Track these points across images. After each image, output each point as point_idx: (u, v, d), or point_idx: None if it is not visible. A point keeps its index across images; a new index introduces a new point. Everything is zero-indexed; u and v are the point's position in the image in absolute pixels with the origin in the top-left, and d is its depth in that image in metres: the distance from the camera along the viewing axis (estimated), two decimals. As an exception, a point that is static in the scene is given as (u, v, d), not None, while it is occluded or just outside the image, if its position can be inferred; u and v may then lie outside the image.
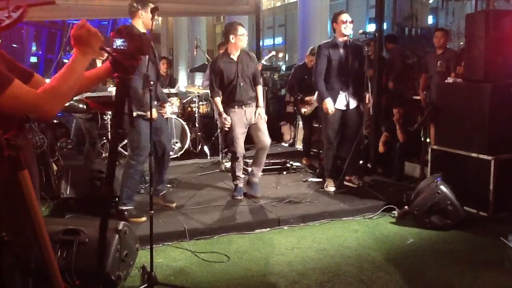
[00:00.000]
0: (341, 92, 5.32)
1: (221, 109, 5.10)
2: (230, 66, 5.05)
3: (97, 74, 2.04)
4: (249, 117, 5.14)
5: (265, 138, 5.19)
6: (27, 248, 1.77)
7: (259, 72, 5.41)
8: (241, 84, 5.07)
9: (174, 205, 4.85)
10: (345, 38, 5.28)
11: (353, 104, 5.37)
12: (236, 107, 5.08)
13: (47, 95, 1.70)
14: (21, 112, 1.69)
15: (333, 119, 5.35)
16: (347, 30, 5.21)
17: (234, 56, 5.07)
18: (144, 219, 4.36)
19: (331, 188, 5.41)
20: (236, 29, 5.04)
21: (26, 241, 1.75)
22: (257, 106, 5.17)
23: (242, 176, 5.29)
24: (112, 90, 6.73)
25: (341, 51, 5.30)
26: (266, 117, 5.22)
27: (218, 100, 5.10)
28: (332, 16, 5.53)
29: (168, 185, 5.59)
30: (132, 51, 1.83)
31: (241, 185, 5.27)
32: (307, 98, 6.64)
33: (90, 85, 2.07)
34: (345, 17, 5.23)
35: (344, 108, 5.36)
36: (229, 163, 5.72)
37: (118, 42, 1.83)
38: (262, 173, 6.25)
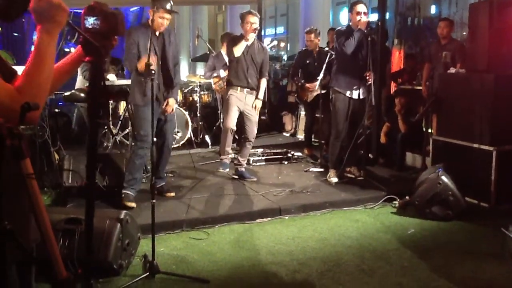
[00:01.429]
0: (355, 81, 5.29)
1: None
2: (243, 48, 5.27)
3: (67, 62, 1.75)
4: (247, 103, 5.34)
5: (254, 130, 5.46)
6: (29, 237, 1.77)
7: (267, 66, 5.61)
8: (249, 69, 5.28)
9: (172, 194, 4.85)
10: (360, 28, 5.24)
11: (363, 94, 5.35)
12: (239, 88, 5.28)
13: (24, 96, 1.44)
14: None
15: (344, 109, 5.33)
16: (362, 20, 5.16)
17: (249, 42, 5.28)
18: (133, 204, 4.36)
19: (334, 178, 5.40)
20: (242, 17, 5.30)
21: (28, 230, 1.75)
22: (256, 97, 5.40)
23: (230, 152, 5.47)
24: (112, 78, 6.73)
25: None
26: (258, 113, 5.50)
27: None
28: (348, 6, 5.52)
29: (170, 175, 5.60)
30: (106, 31, 1.62)
31: (226, 160, 5.47)
32: (307, 85, 6.55)
33: (64, 77, 1.75)
34: (360, 8, 5.17)
35: (356, 97, 5.34)
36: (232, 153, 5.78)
37: (91, 21, 1.61)
38: (264, 163, 6.32)
